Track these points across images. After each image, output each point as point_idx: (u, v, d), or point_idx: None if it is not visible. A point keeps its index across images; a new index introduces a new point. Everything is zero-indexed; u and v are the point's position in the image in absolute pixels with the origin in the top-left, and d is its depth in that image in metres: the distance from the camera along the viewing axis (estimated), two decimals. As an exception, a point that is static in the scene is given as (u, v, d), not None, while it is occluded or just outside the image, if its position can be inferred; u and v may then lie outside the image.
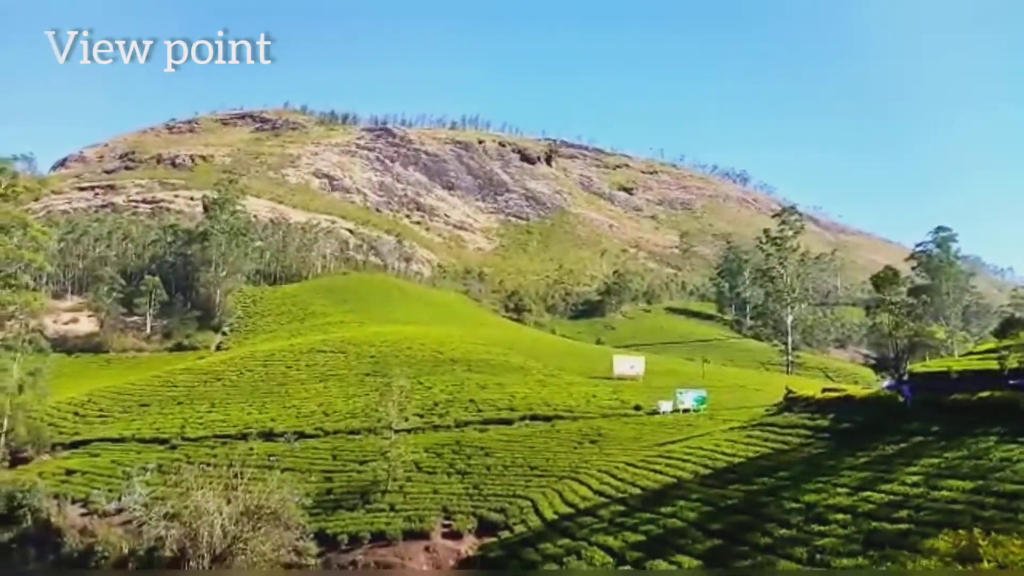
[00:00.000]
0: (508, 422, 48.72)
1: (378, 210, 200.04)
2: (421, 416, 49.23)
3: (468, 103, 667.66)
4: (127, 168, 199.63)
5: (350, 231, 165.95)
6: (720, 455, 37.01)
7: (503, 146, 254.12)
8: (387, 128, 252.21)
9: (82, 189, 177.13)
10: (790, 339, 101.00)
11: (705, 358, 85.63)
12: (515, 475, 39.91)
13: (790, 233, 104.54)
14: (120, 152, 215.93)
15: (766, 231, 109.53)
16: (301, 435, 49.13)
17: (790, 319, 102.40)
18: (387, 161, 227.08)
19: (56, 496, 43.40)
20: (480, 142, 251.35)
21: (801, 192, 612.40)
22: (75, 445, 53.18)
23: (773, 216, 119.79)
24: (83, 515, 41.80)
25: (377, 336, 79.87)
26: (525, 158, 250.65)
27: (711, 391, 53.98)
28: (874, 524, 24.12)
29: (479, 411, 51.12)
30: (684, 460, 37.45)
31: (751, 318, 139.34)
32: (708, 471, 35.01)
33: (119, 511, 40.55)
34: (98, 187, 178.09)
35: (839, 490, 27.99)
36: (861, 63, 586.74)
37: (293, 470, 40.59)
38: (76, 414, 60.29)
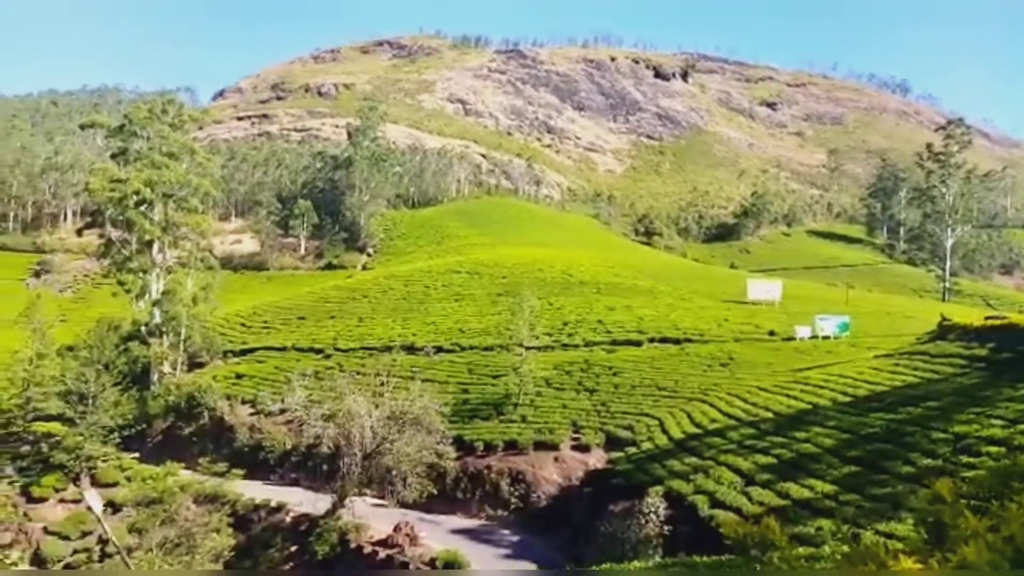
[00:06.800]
0: (636, 344, 48.78)
1: (509, 134, 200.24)
2: (550, 335, 50.17)
3: (600, 19, 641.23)
4: (278, 98, 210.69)
5: (482, 155, 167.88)
6: (862, 383, 35.35)
7: (636, 63, 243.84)
8: (518, 50, 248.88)
9: (240, 119, 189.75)
10: (948, 264, 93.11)
11: (849, 284, 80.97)
12: (643, 395, 40.29)
13: (955, 148, 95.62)
14: (271, 82, 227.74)
15: (928, 146, 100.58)
16: (439, 349, 51.81)
17: (950, 242, 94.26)
18: (518, 84, 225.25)
19: (228, 397, 48.54)
20: (612, 59, 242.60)
21: (970, 103, 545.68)
22: (243, 352, 58.90)
23: (936, 130, 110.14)
24: (251, 414, 46.53)
25: (508, 258, 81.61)
26: (659, 75, 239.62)
27: (855, 318, 51.10)
28: (1032, 458, 22.58)
29: (607, 332, 51.45)
30: (821, 387, 36.15)
31: (905, 241, 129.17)
32: (848, 399, 33.65)
33: (282, 411, 44.65)
34: (253, 116, 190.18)
35: (994, 422, 26.18)
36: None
37: (432, 381, 42.83)
38: (243, 325, 66.70)
